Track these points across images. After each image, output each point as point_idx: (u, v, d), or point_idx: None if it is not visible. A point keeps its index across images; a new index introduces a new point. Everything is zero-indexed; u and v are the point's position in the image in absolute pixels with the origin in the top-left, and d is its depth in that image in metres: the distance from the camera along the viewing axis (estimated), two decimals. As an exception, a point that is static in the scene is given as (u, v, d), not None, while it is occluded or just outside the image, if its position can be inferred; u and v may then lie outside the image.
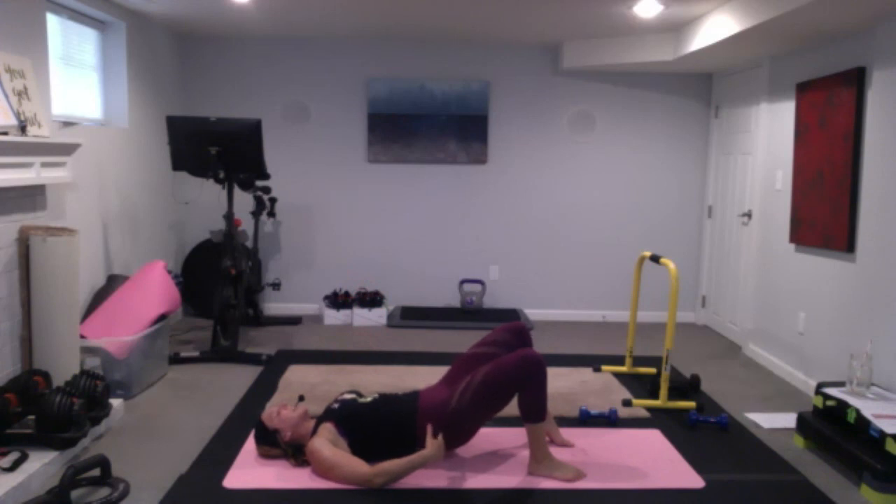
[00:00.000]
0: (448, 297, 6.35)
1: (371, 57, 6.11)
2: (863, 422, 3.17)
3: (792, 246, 4.70)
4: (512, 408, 3.15)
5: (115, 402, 3.67)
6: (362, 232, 6.28)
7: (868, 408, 3.23)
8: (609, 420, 3.76)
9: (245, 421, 3.68)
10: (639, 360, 4.88)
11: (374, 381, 4.34)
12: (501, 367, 3.01)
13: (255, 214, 5.74)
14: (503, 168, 6.25)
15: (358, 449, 3.02)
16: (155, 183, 5.57)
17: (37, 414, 3.08)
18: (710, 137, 6.21)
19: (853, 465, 3.12)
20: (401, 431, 3.06)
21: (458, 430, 3.09)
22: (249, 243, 5.85)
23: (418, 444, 3.03)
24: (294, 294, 6.30)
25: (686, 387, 4.29)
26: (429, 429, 3.00)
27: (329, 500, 2.83)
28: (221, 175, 4.69)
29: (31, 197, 3.67)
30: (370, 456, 2.98)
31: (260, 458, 3.21)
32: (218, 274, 4.93)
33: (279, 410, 3.17)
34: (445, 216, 6.29)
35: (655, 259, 4.20)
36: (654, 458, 3.31)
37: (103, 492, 2.84)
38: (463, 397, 3.03)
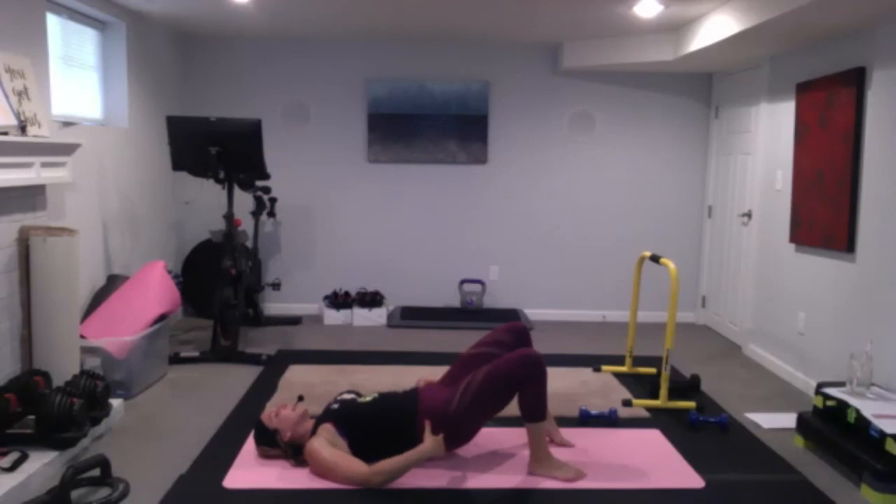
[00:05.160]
0: (448, 297, 6.35)
1: (371, 57, 6.11)
2: (863, 422, 3.17)
3: (792, 246, 4.70)
4: (512, 408, 3.15)
5: (115, 402, 3.67)
6: (362, 232, 6.28)
7: (868, 408, 3.23)
8: (609, 420, 3.76)
9: (245, 421, 3.68)
10: (639, 360, 4.88)
11: (374, 381, 4.34)
12: (502, 366, 3.01)
13: (255, 214, 5.74)
14: (503, 168, 6.25)
15: (357, 449, 3.02)
16: (155, 183, 5.57)
17: (37, 414, 3.08)
18: (710, 137, 6.21)
19: (853, 465, 3.12)
20: (401, 431, 3.06)
21: (458, 430, 3.09)
22: (249, 243, 5.85)
23: (418, 443, 3.03)
24: (294, 294, 6.30)
25: (686, 387, 4.29)
26: (427, 424, 3.00)
27: (329, 500, 2.83)
28: (221, 175, 4.69)
29: (31, 197, 3.66)
30: (370, 456, 2.97)
31: (260, 458, 3.21)
32: (218, 274, 4.93)
33: (278, 410, 3.18)
34: (445, 216, 6.29)
35: (655, 259, 4.20)
36: (654, 458, 3.31)
37: (103, 492, 2.84)
38: (463, 397, 3.03)
